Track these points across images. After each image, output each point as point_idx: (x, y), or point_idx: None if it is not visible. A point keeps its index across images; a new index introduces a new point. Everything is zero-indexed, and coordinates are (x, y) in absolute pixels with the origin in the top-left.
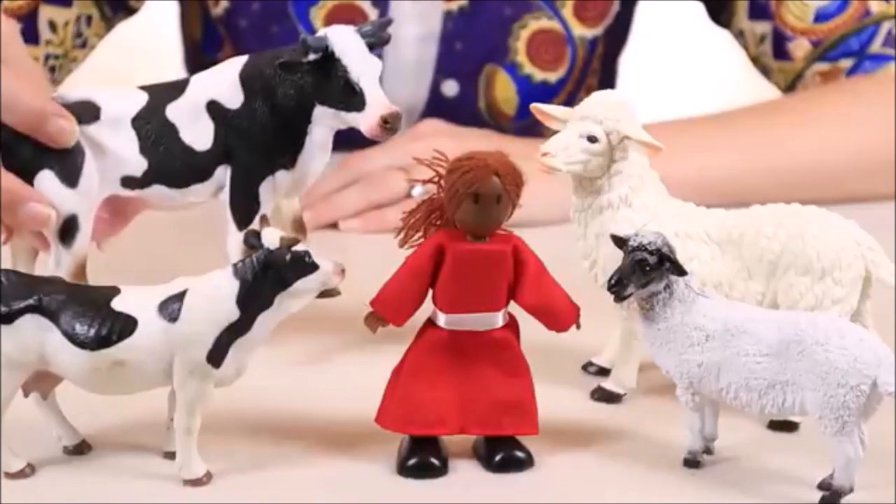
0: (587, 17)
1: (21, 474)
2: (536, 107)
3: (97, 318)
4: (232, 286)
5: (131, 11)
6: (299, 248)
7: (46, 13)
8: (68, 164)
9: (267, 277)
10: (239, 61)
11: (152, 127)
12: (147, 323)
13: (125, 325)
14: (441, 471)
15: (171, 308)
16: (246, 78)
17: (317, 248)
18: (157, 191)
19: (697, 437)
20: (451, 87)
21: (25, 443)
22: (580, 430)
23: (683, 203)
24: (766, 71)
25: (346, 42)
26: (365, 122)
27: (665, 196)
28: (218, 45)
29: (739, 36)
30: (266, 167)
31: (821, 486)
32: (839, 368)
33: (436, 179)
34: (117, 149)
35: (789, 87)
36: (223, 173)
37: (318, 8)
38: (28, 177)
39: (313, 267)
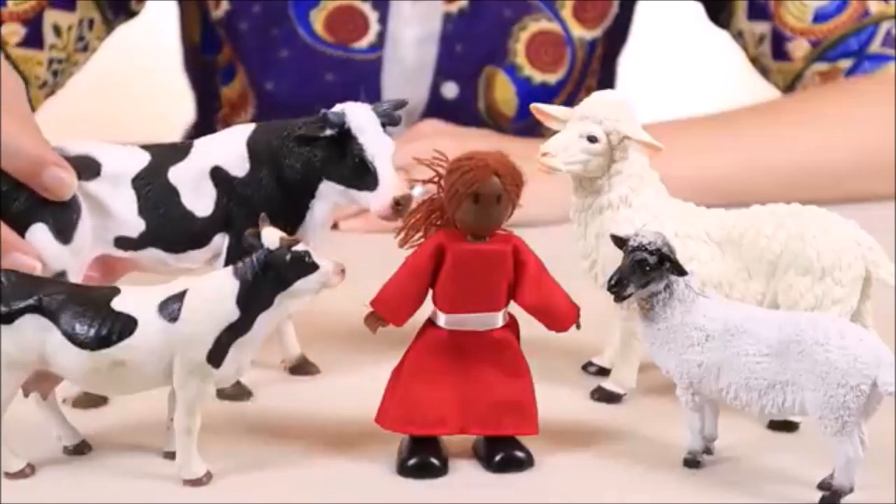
0: (586, 19)
1: (21, 474)
2: (536, 107)
3: (97, 318)
4: (232, 286)
5: (132, 14)
6: (299, 248)
7: (51, 17)
8: (63, 220)
9: (267, 277)
10: (247, 129)
11: (153, 188)
12: (147, 323)
13: (125, 325)
14: (441, 471)
15: (171, 308)
16: (253, 146)
17: (316, 249)
18: (152, 254)
19: (697, 437)
20: (450, 89)
21: (25, 443)
22: (580, 430)
23: (684, 203)
24: (765, 72)
25: (363, 120)
26: (377, 201)
27: (665, 196)
28: (217, 47)
29: (738, 37)
30: None
31: (821, 486)
32: (839, 368)
33: (436, 179)
34: (115, 208)
35: (788, 87)
36: (221, 241)
37: (319, 10)
38: (21, 228)
39: (313, 267)
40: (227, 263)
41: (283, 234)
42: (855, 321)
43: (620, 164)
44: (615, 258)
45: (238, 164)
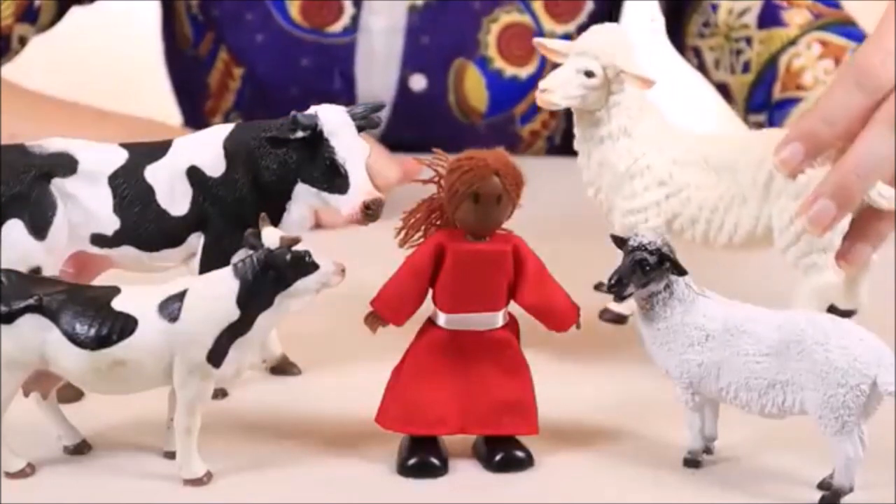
0: (558, 13)
1: (21, 474)
2: (539, 41)
3: (97, 318)
4: (232, 286)
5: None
6: (299, 247)
7: None
8: (39, 216)
9: (267, 277)
10: (225, 129)
11: (129, 187)
12: (147, 323)
13: (125, 325)
14: (441, 471)
15: (171, 308)
16: (230, 147)
17: (316, 248)
18: (126, 252)
19: (697, 437)
20: (418, 82)
21: (25, 443)
22: (580, 430)
23: (683, 130)
24: (737, 52)
25: (336, 123)
26: (347, 205)
27: (665, 124)
28: (201, 39)
29: (712, 11)
30: (240, 240)
31: (821, 486)
32: (839, 368)
33: (436, 179)
34: (91, 205)
35: (772, 57)
36: (196, 241)
37: None
38: None
39: (313, 267)
40: (202, 263)
41: (284, 234)
42: (849, 290)
43: (618, 96)
44: (616, 186)
45: (214, 165)
